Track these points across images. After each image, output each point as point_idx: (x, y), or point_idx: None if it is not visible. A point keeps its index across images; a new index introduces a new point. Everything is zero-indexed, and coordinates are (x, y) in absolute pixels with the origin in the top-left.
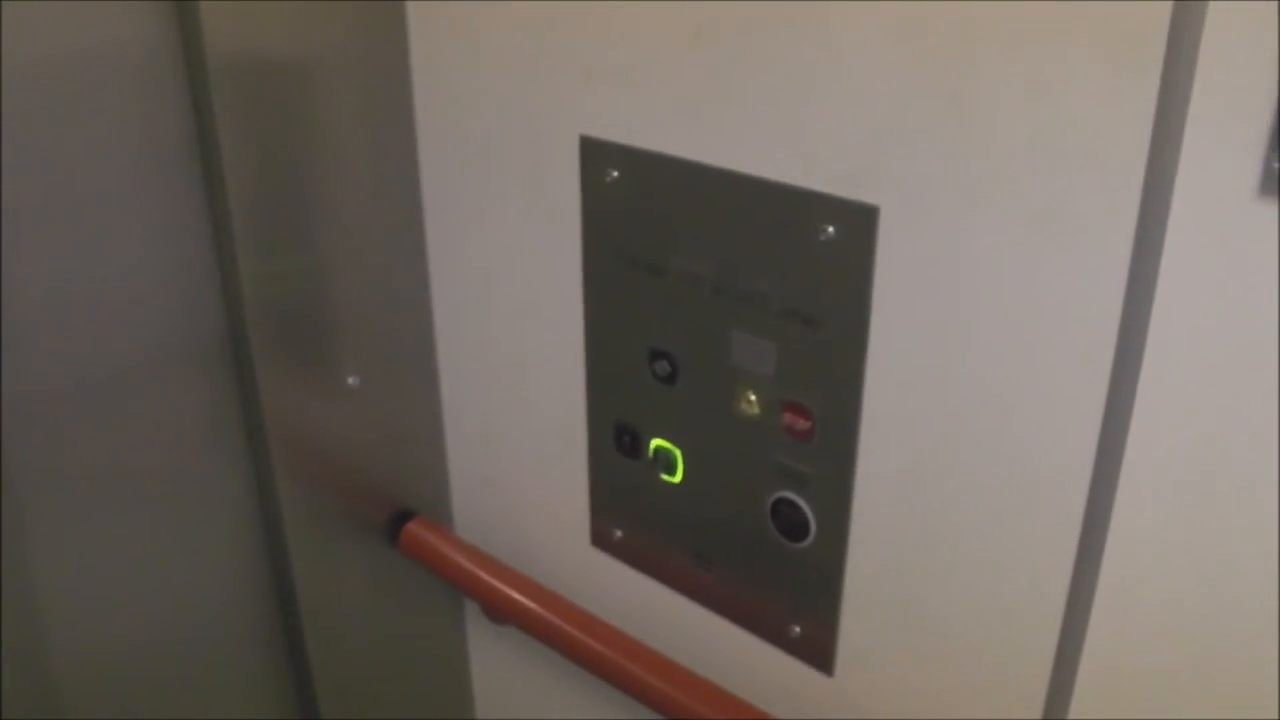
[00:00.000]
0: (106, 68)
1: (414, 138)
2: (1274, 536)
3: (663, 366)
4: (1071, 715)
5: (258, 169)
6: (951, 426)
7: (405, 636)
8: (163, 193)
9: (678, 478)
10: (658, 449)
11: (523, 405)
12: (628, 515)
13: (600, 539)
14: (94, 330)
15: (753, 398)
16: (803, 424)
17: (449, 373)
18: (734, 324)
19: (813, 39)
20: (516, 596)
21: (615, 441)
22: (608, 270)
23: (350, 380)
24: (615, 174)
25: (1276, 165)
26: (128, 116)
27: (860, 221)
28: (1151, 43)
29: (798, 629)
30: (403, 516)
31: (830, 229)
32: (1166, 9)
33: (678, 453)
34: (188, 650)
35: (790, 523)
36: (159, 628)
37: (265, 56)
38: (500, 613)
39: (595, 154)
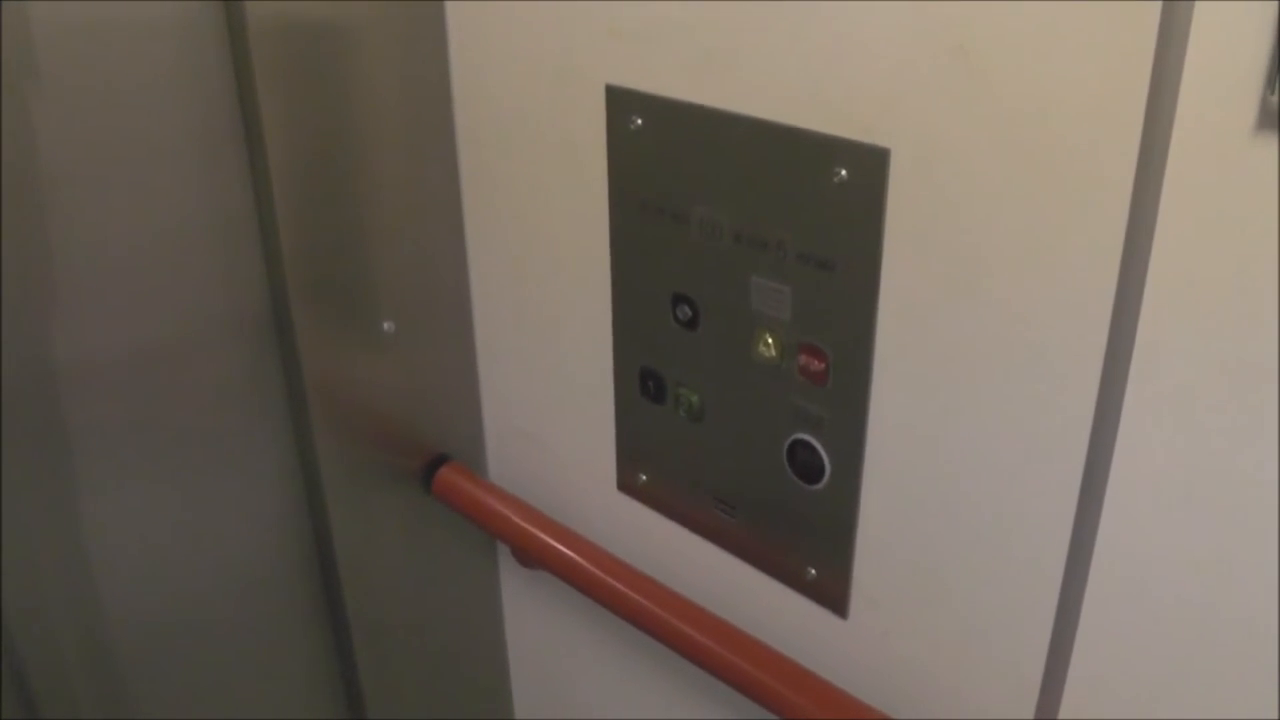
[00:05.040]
0: (150, 36)
1: (449, 94)
2: (1272, 521)
3: (684, 311)
4: (1071, 673)
5: (297, 131)
6: (960, 369)
7: (439, 580)
8: (205, 158)
9: (699, 422)
10: (680, 393)
11: (553, 351)
12: (652, 460)
13: (626, 484)
14: (141, 294)
15: (770, 341)
16: (818, 366)
17: (483, 320)
18: (752, 269)
19: None
20: (546, 540)
21: (640, 387)
22: (632, 217)
23: (386, 326)
24: (639, 121)
25: (1274, 100)
26: (171, 85)
27: (872, 164)
28: None
29: (813, 571)
30: (436, 462)
31: (843, 172)
32: None
33: (699, 397)
34: (230, 597)
35: (806, 465)
36: (203, 576)
37: (304, 21)
38: (530, 556)
39: (620, 102)
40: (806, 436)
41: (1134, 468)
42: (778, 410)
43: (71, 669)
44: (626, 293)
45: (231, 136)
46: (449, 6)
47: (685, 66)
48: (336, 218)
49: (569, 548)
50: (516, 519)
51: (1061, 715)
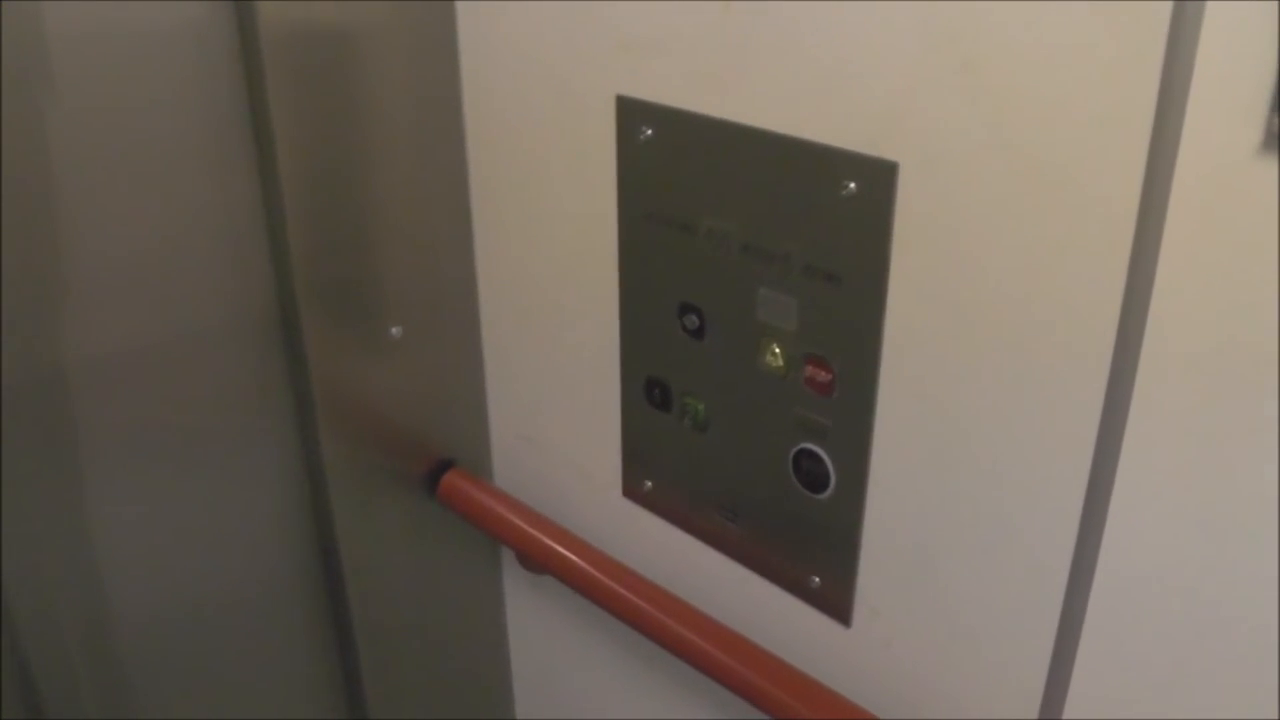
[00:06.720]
0: (163, 42)
1: (459, 101)
2: (1273, 530)
3: (691, 321)
4: (1073, 683)
5: (308, 136)
6: (966, 381)
7: (443, 584)
8: (216, 162)
9: (705, 430)
10: (686, 402)
11: (560, 358)
12: (658, 467)
13: (631, 490)
14: (150, 296)
15: (776, 351)
16: (824, 377)
17: (490, 326)
18: (760, 280)
19: (836, 5)
20: (551, 545)
21: (646, 394)
22: (641, 227)
23: (393, 331)
24: (649, 132)
25: (1278, 123)
26: (183, 90)
27: (880, 177)
28: (1157, 7)
29: (817, 580)
30: (442, 467)
31: (851, 185)
32: None
33: (705, 406)
34: (235, 599)
35: (811, 474)
36: (208, 578)
37: (316, 28)
38: (535, 561)
39: (630, 113)
40: (812, 446)
41: (1138, 478)
42: (783, 420)
43: (76, 669)
44: (634, 301)
45: (242, 141)
46: (460, 14)
47: (695, 78)
48: (345, 223)
49: (574, 553)
50: (521, 524)
51: None
